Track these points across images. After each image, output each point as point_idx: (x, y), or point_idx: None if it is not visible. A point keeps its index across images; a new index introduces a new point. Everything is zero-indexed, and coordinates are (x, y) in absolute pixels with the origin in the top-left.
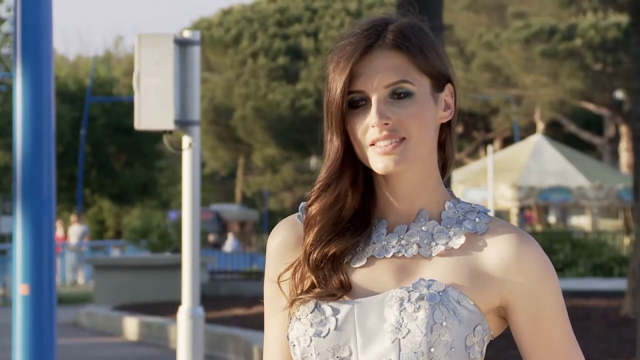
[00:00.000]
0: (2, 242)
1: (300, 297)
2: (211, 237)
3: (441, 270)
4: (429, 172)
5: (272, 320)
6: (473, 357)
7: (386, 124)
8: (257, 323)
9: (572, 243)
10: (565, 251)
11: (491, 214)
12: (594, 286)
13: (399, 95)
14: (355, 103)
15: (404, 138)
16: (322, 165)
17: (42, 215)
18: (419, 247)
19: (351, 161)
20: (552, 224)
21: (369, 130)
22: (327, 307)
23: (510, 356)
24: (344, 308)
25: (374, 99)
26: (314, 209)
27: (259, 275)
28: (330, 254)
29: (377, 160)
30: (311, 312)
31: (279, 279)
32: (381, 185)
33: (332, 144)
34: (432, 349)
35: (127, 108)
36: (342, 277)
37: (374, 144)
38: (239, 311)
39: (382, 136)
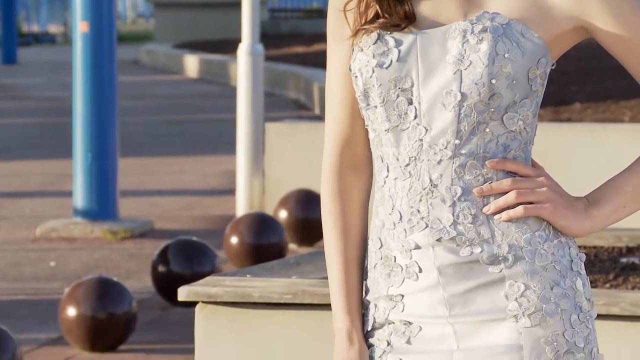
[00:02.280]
0: None
1: (364, 27)
2: None
3: (506, 4)
4: None
5: (335, 52)
6: (535, 89)
7: None
8: (317, 61)
9: None
10: None
11: None
12: None
13: None
14: None
15: None
16: None
17: None
18: None
19: None
20: None
21: None
22: (390, 38)
23: (570, 92)
24: (407, 39)
25: None
26: None
27: (320, 13)
28: None
29: None
30: (374, 43)
31: (345, 7)
32: None
33: None
34: (494, 81)
35: None
36: (407, 7)
37: None
38: (299, 49)
39: None
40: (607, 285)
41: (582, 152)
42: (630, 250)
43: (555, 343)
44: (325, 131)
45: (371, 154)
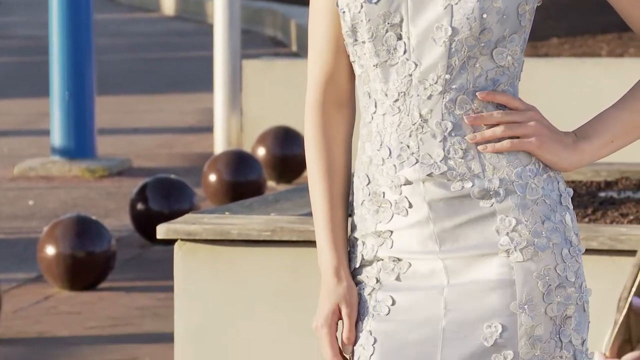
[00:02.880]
0: None
1: None
2: None
3: None
4: None
5: None
6: (523, 25)
7: None
8: None
9: None
10: None
11: None
12: None
13: None
14: None
15: None
16: None
17: None
18: None
19: None
20: None
21: None
22: None
23: (548, 27)
24: None
25: None
26: None
27: None
28: None
29: None
30: None
31: None
32: None
33: None
34: (485, 15)
35: None
36: None
37: None
38: None
39: None
40: (586, 219)
41: (559, 87)
42: (608, 185)
43: (547, 277)
44: (308, 67)
45: (354, 90)
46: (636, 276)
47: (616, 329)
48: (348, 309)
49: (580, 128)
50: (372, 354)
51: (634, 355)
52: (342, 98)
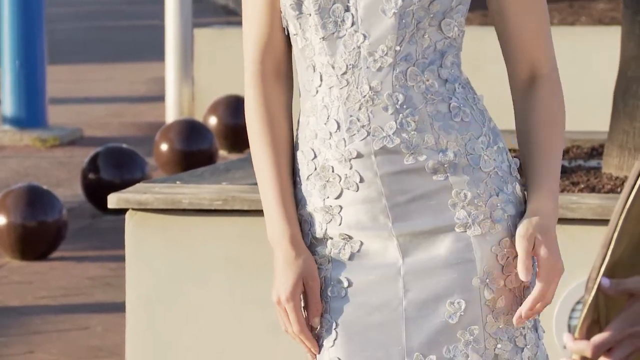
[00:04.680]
0: None
1: None
2: None
3: None
4: None
5: None
6: None
7: None
8: None
9: None
10: None
11: None
12: None
13: None
14: None
15: None
16: None
17: None
18: None
19: None
20: None
21: None
22: None
23: None
24: None
25: None
26: None
27: None
28: None
29: None
30: None
31: None
32: None
33: None
34: None
35: None
36: None
37: None
38: None
39: None
40: None
41: None
42: None
43: (505, 249)
44: (244, 39)
45: (291, 60)
46: (605, 256)
47: (585, 310)
48: (313, 281)
49: (534, 198)
50: (335, 339)
51: (602, 336)
52: (280, 68)
